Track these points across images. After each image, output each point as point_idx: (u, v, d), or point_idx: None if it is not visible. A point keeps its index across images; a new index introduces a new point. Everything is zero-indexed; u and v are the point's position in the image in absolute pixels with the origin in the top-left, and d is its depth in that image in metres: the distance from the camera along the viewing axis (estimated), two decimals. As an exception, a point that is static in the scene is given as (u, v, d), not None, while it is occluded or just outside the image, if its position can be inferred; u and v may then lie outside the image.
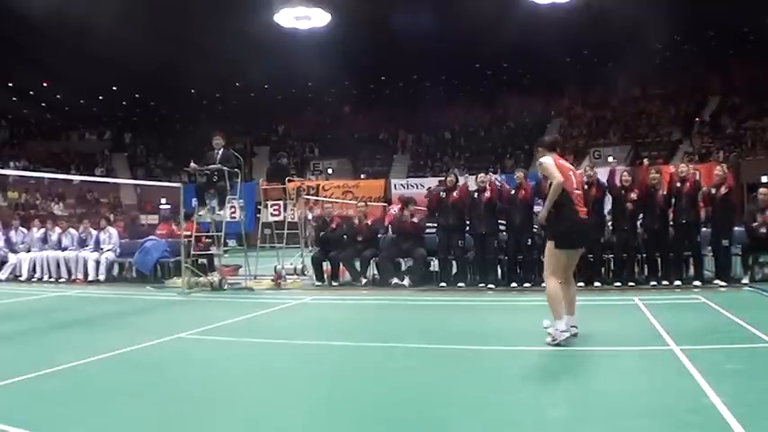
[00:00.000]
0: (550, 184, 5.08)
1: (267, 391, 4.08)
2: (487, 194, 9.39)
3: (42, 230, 12.66)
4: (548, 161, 5.13)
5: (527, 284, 9.14)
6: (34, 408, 3.66)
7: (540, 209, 5.55)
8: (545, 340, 4.96)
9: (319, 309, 8.29)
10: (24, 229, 13.00)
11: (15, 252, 12.54)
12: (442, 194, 9.68)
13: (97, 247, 11.79)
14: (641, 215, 9.25)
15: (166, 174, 29.88)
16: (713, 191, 9.14)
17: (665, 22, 20.63)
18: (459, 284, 9.51)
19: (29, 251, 12.46)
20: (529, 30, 20.81)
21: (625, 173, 9.55)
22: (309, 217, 11.21)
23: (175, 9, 20.20)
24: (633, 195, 9.16)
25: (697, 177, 9.31)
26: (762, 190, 9.42)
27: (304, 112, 34.38)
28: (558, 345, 4.89)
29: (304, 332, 6.20)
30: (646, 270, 9.40)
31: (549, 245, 5.14)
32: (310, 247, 11.52)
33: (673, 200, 9.09)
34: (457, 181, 9.86)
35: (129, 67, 24.86)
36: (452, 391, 3.89)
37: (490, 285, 9.22)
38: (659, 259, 9.23)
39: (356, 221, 10.69)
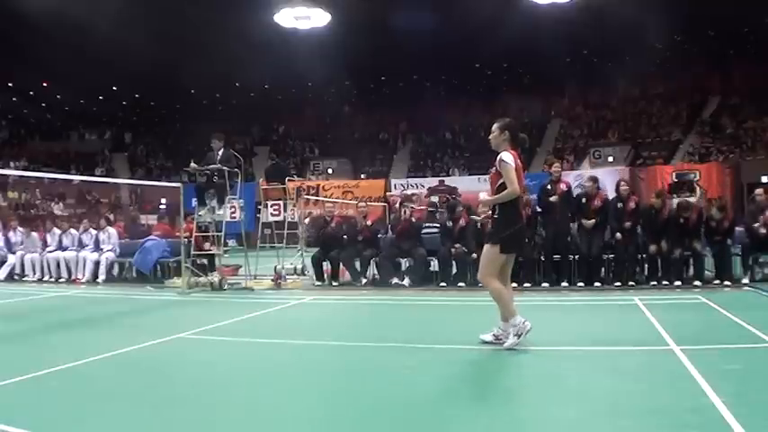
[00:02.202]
0: (502, 184, 4.90)
1: (267, 391, 4.07)
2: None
3: (39, 233, 12.69)
4: (509, 161, 4.86)
5: (527, 284, 9.19)
6: (34, 408, 3.65)
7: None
8: (508, 344, 4.85)
9: (319, 309, 8.29)
10: (22, 230, 13.00)
11: (14, 253, 12.55)
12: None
13: (97, 248, 11.79)
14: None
15: (166, 174, 29.88)
16: (713, 224, 9.20)
17: (665, 22, 20.64)
18: (460, 284, 9.53)
19: (26, 253, 12.48)
20: (529, 30, 20.82)
21: (623, 182, 9.70)
22: (306, 220, 11.23)
23: (175, 9, 20.21)
24: (632, 204, 9.23)
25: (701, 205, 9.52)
26: (758, 191, 9.47)
27: (304, 112, 34.38)
28: (519, 336, 4.82)
29: (304, 332, 6.20)
30: (646, 270, 9.42)
31: (493, 248, 4.94)
32: (301, 248, 11.49)
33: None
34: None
35: (129, 67, 24.87)
36: (452, 391, 3.89)
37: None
38: (659, 259, 9.27)
39: (357, 222, 10.70)
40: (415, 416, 3.44)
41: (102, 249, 11.74)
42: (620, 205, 9.28)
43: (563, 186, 9.44)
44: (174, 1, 20.07)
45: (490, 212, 5.37)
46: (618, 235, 9.12)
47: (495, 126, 5.11)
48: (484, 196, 5.30)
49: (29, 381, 4.22)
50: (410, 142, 33.12)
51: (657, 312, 6.51)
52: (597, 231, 9.22)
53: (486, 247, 5.02)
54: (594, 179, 9.66)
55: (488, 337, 5.12)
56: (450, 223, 9.99)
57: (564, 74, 28.00)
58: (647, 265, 9.40)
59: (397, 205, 11.14)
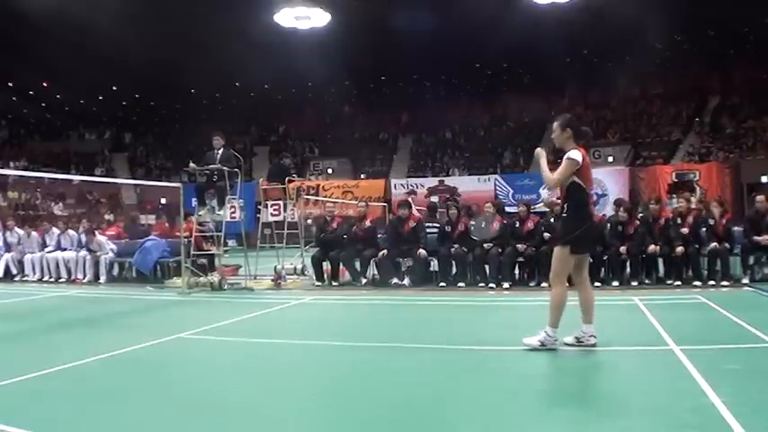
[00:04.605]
0: (571, 184, 4.76)
1: (267, 391, 4.08)
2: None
3: (38, 233, 12.68)
4: (576, 158, 4.70)
5: (531, 284, 9.28)
6: (34, 408, 3.66)
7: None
8: (529, 341, 4.78)
9: (319, 309, 8.29)
10: (19, 230, 12.99)
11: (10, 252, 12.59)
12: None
13: (90, 251, 11.77)
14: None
15: (166, 174, 29.87)
16: (711, 222, 9.23)
17: (665, 22, 20.63)
18: (459, 284, 9.54)
19: (24, 253, 12.47)
20: (529, 30, 20.81)
21: (622, 208, 9.65)
22: (309, 220, 11.22)
23: (175, 9, 20.21)
24: (631, 229, 9.28)
25: (698, 208, 9.60)
26: (759, 198, 9.43)
27: (304, 112, 34.36)
28: (543, 346, 4.73)
29: (304, 332, 6.21)
30: (646, 270, 9.42)
31: (563, 250, 4.82)
32: (301, 248, 11.46)
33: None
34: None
35: (129, 67, 24.86)
36: (452, 392, 3.89)
37: (491, 285, 9.25)
38: (659, 259, 9.28)
39: (355, 227, 10.66)
40: (415, 416, 3.44)
41: (96, 252, 11.71)
42: (620, 228, 9.34)
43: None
44: (175, 1, 20.06)
45: (557, 203, 5.26)
46: (622, 248, 9.19)
47: (555, 124, 4.96)
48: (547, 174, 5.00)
49: (29, 381, 4.22)
50: (410, 142, 33.13)
51: (657, 312, 6.51)
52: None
53: (556, 248, 4.91)
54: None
55: (570, 339, 4.96)
56: (449, 228, 10.02)
57: (564, 74, 27.96)
58: (646, 265, 9.41)
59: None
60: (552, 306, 4.83)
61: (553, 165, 4.99)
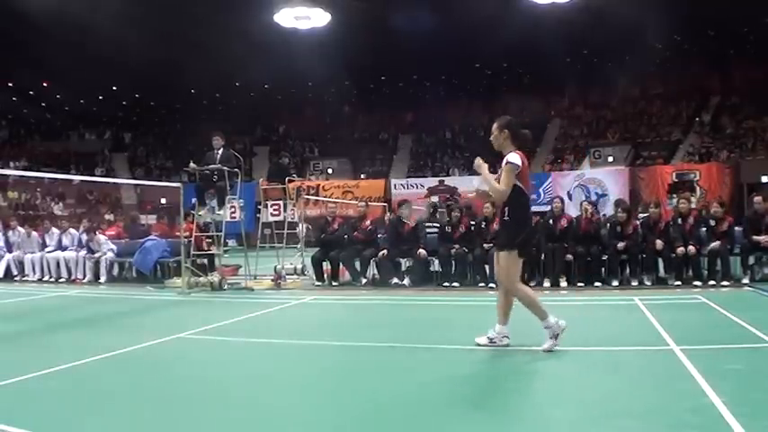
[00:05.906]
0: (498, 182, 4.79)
1: (267, 391, 4.08)
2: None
3: (38, 233, 12.68)
4: (515, 161, 4.72)
5: (531, 284, 9.25)
6: (34, 408, 3.66)
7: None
8: (545, 346, 4.74)
9: (319, 309, 8.29)
10: (21, 230, 12.99)
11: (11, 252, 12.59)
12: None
13: (91, 251, 11.76)
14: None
15: (166, 174, 29.88)
16: (713, 223, 9.25)
17: (665, 22, 20.63)
18: (454, 284, 9.54)
19: (25, 253, 12.47)
20: (529, 30, 20.81)
21: (620, 210, 9.62)
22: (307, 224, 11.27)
23: (176, 9, 20.21)
24: (630, 230, 9.29)
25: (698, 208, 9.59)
26: (756, 198, 9.43)
27: (304, 112, 34.38)
28: (557, 337, 4.71)
29: (304, 332, 6.20)
30: (646, 270, 9.42)
31: (511, 255, 4.79)
32: (301, 248, 11.45)
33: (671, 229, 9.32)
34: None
35: (129, 67, 24.86)
36: (452, 392, 3.88)
37: (491, 285, 9.24)
38: (659, 259, 9.28)
39: (354, 227, 10.67)
40: (415, 416, 3.44)
41: (96, 252, 11.70)
42: (618, 229, 9.34)
43: (564, 222, 9.62)
44: (175, 1, 20.06)
45: (490, 207, 5.41)
46: (620, 244, 9.19)
47: (494, 126, 4.98)
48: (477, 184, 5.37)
49: (29, 381, 4.22)
50: (410, 142, 33.13)
51: (657, 312, 6.51)
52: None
53: (503, 254, 4.85)
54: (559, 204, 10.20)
55: (483, 340, 5.03)
56: (450, 228, 10.04)
57: (564, 74, 27.98)
58: (646, 266, 9.40)
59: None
60: (530, 307, 4.85)
61: (492, 168, 4.98)
